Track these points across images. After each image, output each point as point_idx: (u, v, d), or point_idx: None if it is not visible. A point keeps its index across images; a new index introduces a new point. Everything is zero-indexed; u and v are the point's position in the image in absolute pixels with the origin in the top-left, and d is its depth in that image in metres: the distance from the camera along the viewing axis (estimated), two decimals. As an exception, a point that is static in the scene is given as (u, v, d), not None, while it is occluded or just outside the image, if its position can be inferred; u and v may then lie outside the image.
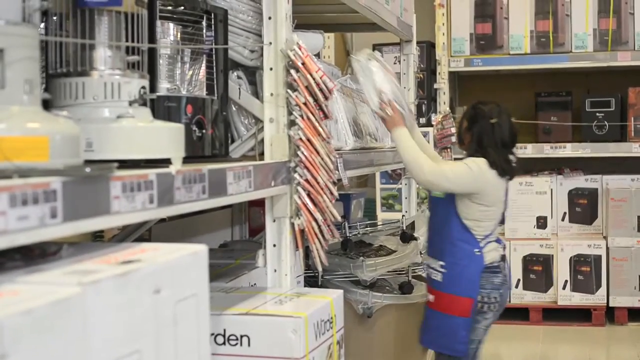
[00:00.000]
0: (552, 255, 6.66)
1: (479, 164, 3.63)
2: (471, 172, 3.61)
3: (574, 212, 6.94)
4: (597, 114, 6.84)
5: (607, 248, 6.59)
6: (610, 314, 6.58)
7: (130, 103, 1.90)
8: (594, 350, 5.98)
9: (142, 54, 2.01)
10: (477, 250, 3.64)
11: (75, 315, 1.27)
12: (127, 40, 1.97)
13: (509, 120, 3.76)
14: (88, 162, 1.62)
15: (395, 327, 3.77)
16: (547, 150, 6.88)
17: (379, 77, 3.58)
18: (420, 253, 4.06)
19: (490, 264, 3.66)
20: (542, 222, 6.77)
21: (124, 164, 1.76)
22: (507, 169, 3.70)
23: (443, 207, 3.71)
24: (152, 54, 2.23)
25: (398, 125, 3.61)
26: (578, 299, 6.59)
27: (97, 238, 2.99)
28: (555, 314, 6.65)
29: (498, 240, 3.76)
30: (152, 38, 2.21)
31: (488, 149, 3.68)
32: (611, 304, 6.56)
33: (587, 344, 6.05)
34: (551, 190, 6.85)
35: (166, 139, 1.91)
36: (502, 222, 3.84)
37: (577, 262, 6.61)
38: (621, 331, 6.42)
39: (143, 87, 1.95)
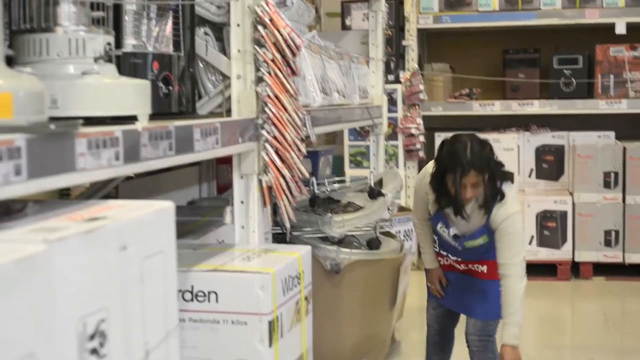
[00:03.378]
0: (519, 211, 6.71)
1: (515, 205, 3.53)
2: (520, 217, 3.59)
3: (540, 169, 6.99)
4: (565, 71, 6.87)
5: (573, 204, 6.65)
6: (576, 269, 6.67)
7: (96, 60, 1.88)
8: (559, 305, 6.07)
9: (107, 9, 1.99)
10: None
11: (41, 273, 1.27)
12: (91, -4, 1.95)
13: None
14: (53, 119, 1.61)
15: (363, 283, 3.80)
16: (515, 107, 6.91)
17: None
18: (389, 209, 4.07)
19: None
20: (509, 179, 6.80)
21: (90, 121, 1.75)
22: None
23: (483, 246, 3.69)
24: (118, 10, 2.20)
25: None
26: (544, 254, 6.67)
27: (64, 196, 2.98)
28: (521, 269, 6.72)
29: None
30: (117, -7, 2.19)
31: (507, 183, 3.51)
32: (577, 259, 6.63)
33: (552, 299, 6.13)
34: (518, 146, 6.89)
35: (132, 95, 1.90)
36: None
37: (544, 217, 6.67)
38: (586, 285, 6.51)
39: (108, 44, 1.94)
